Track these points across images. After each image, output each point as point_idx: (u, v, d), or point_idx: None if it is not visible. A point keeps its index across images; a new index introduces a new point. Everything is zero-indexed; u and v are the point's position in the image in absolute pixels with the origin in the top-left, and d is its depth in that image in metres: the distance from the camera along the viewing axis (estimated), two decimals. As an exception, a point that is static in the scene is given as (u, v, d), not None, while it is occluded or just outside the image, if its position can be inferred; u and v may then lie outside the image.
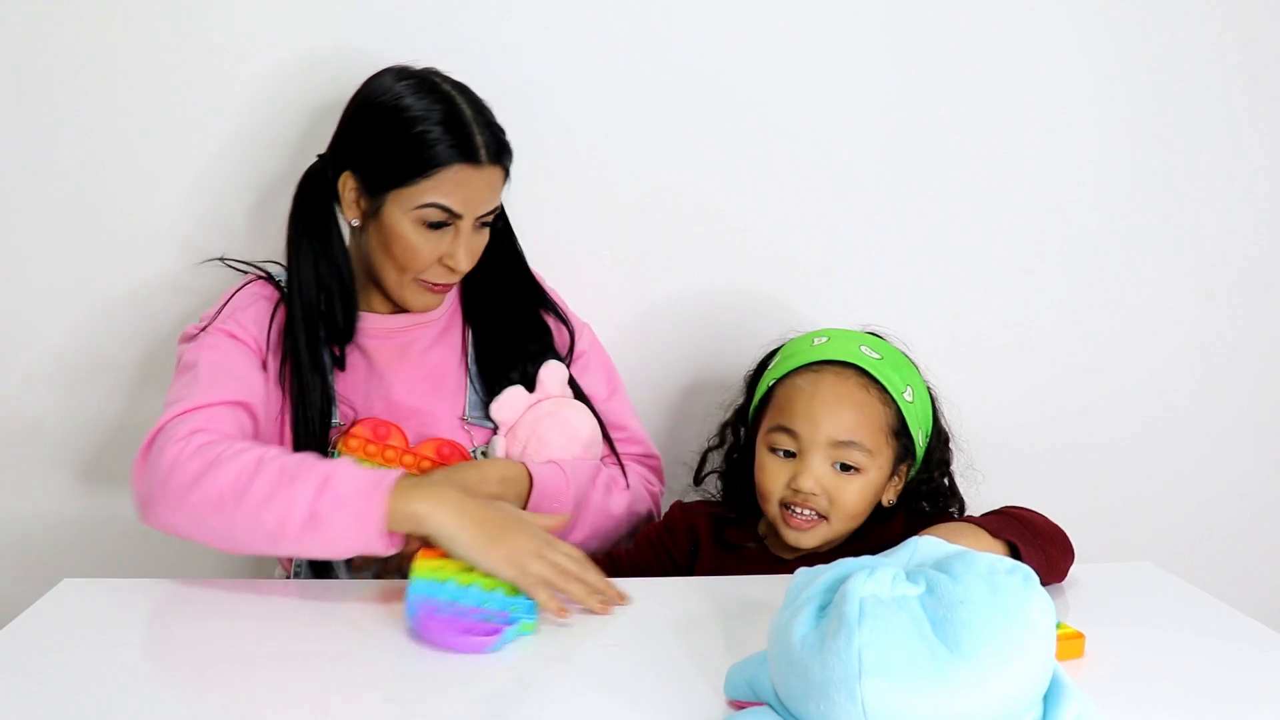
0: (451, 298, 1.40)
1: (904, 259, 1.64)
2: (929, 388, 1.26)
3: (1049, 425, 1.69)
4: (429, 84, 1.27)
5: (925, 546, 0.83)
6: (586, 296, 1.48)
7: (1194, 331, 1.70)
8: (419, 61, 1.31)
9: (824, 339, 1.24)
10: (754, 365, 1.35)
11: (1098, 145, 1.63)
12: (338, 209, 1.31)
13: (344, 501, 1.06)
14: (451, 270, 1.29)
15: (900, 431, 1.20)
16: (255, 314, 1.30)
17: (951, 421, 1.30)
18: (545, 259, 1.47)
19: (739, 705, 0.85)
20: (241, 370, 1.24)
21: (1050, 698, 0.78)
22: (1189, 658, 0.98)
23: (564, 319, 1.43)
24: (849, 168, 1.61)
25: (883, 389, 1.19)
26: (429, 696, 0.90)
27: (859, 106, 1.59)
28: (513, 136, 1.32)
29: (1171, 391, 1.71)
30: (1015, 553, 1.05)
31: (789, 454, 1.20)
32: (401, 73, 1.29)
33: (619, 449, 1.42)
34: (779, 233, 1.61)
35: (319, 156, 1.32)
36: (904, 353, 1.26)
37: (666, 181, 1.58)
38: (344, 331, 1.33)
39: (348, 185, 1.28)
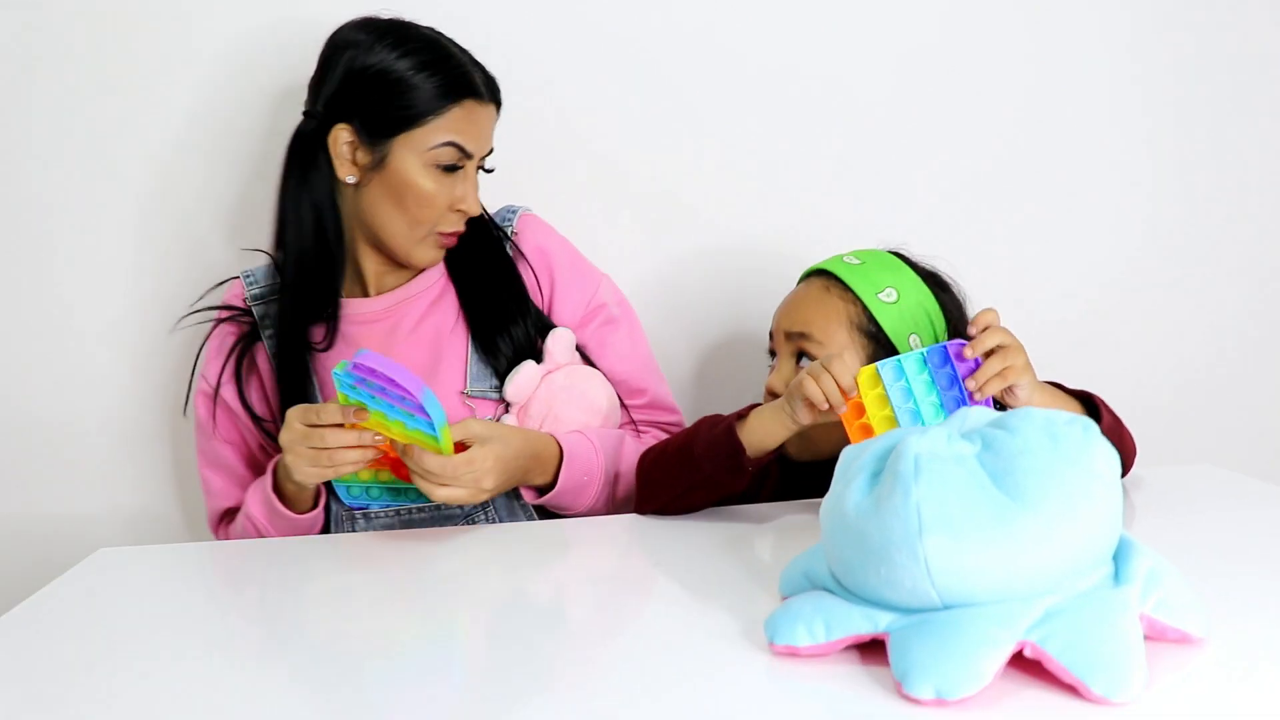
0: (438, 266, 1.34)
1: (929, 202, 1.61)
2: (945, 296, 1.23)
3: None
4: (411, 27, 1.24)
5: (975, 415, 0.80)
6: (609, 256, 1.45)
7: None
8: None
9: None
10: None
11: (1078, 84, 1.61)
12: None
13: (273, 524, 1.23)
14: (463, 215, 1.26)
15: (874, 332, 1.18)
16: (219, 363, 1.31)
17: None
18: (559, 218, 1.43)
19: (795, 599, 0.82)
20: (223, 456, 1.34)
21: (1120, 557, 0.74)
22: (1258, 544, 0.94)
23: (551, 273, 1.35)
24: (860, 124, 1.58)
25: (845, 287, 1.20)
26: (469, 620, 0.88)
27: (871, 62, 1.57)
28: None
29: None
30: (1093, 410, 1.06)
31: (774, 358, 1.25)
32: (372, 21, 1.25)
33: (639, 415, 1.37)
34: (799, 186, 1.59)
35: (304, 114, 1.26)
36: (929, 270, 1.24)
37: (678, 137, 1.56)
38: (331, 311, 1.28)
39: (340, 140, 1.23)
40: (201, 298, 1.38)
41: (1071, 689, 0.65)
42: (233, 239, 1.52)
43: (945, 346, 1.01)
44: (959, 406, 0.98)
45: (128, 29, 1.47)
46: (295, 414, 1.12)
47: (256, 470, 1.33)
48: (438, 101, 1.21)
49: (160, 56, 1.48)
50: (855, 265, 1.22)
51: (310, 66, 1.42)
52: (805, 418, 1.05)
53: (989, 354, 1.00)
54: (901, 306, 1.19)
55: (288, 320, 1.27)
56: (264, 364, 1.30)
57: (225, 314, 1.33)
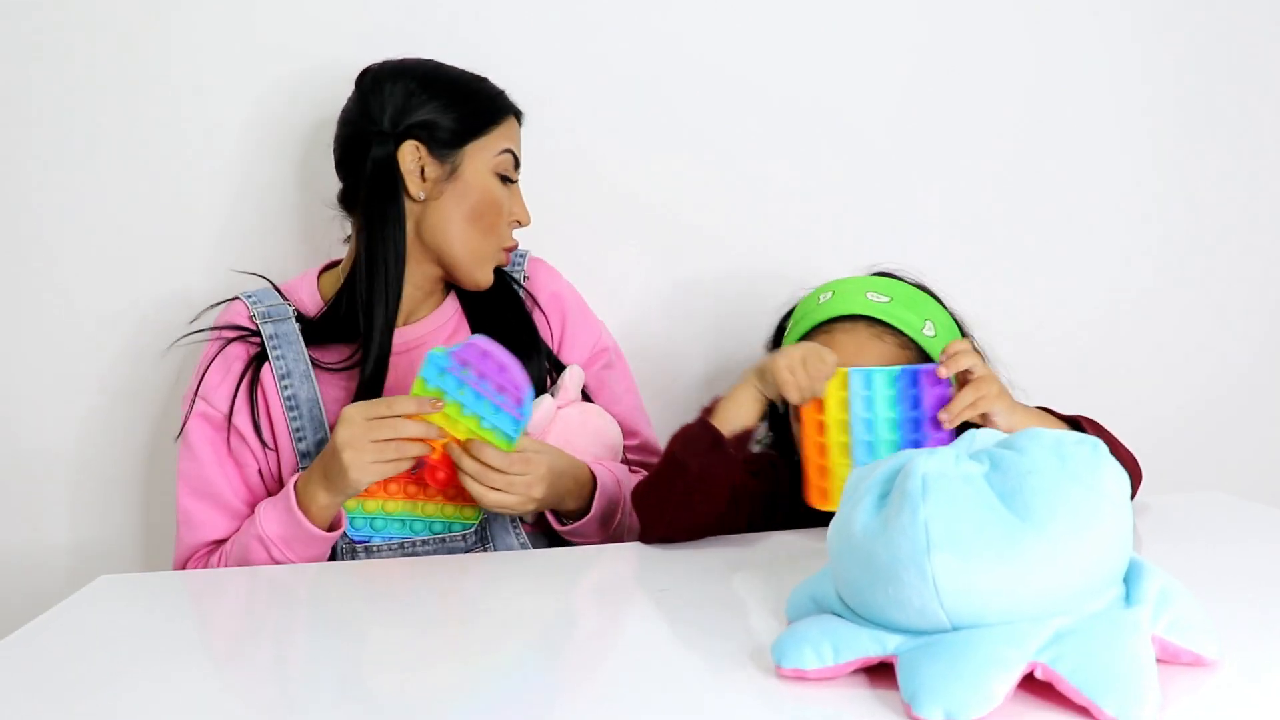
0: (453, 299, 1.35)
1: (920, 231, 1.61)
2: (953, 315, 1.23)
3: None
4: (439, 63, 1.31)
5: (984, 436, 0.79)
6: (610, 277, 1.47)
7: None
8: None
9: (829, 294, 1.22)
10: (772, 333, 1.33)
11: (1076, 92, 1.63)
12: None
13: (289, 546, 1.17)
14: (515, 227, 1.30)
15: None
16: (229, 387, 1.27)
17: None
18: (565, 257, 1.45)
19: (802, 624, 0.81)
20: (216, 485, 1.27)
21: (1131, 578, 0.74)
22: (1269, 570, 0.93)
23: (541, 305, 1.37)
24: (863, 146, 1.60)
25: (897, 332, 1.17)
26: (480, 645, 0.87)
27: (872, 85, 1.59)
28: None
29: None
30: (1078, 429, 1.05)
31: None
32: (396, 61, 1.29)
33: (632, 456, 1.38)
34: (795, 216, 1.60)
35: (378, 138, 1.23)
36: (919, 286, 1.23)
37: (677, 170, 1.57)
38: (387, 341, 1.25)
39: (409, 157, 1.23)
40: (196, 318, 1.36)
41: (1083, 711, 0.64)
42: (219, 255, 1.51)
43: (918, 370, 1.05)
44: (914, 430, 1.04)
45: (128, 29, 1.47)
46: (357, 410, 1.12)
47: (250, 503, 1.28)
48: (496, 112, 1.28)
49: (161, 58, 1.49)
50: (887, 304, 1.18)
51: (313, 66, 1.44)
52: (775, 395, 1.10)
53: (961, 384, 1.02)
54: (942, 337, 1.18)
55: (381, 347, 1.24)
56: (271, 386, 1.27)
57: (233, 334, 1.29)
